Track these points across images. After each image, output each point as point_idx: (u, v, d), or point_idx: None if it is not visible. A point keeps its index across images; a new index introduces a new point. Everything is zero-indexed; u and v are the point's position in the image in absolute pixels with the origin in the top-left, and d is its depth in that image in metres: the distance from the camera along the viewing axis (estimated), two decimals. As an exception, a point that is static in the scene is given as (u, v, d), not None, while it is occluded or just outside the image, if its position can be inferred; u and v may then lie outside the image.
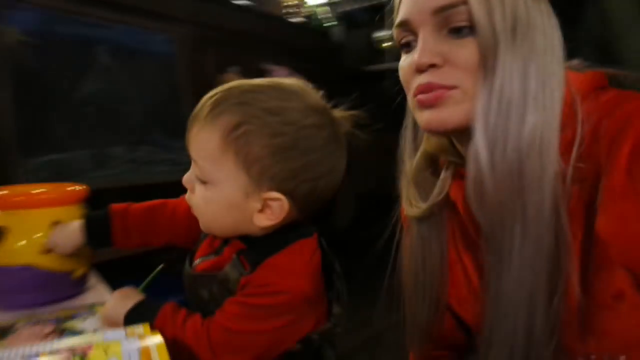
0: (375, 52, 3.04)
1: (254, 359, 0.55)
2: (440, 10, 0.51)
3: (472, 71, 0.51)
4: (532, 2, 0.51)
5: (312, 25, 2.74)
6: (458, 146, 0.60)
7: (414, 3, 0.54)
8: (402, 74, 0.57)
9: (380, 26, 3.25)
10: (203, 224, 0.61)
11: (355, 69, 2.87)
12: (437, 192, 0.62)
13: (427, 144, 0.64)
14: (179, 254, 0.70)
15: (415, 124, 0.64)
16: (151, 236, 0.72)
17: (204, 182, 0.57)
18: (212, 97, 0.57)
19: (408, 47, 0.56)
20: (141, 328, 0.45)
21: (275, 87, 0.57)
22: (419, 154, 0.64)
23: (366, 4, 2.91)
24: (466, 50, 0.51)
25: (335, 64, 2.74)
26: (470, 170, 0.51)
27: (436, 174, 0.64)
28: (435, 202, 0.61)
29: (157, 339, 0.43)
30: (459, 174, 0.61)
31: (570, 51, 0.53)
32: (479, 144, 0.50)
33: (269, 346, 0.55)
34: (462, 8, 0.50)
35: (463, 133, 0.53)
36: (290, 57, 2.38)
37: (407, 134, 0.66)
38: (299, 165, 0.55)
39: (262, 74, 2.20)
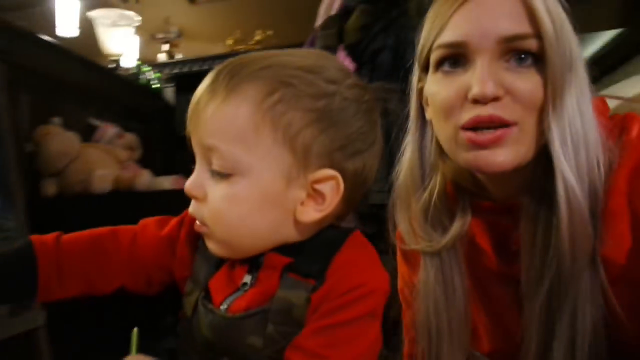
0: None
1: None
2: (509, 40, 0.48)
3: (533, 106, 0.48)
4: (575, 35, 0.50)
5: (143, 85, 2.54)
6: (483, 178, 0.56)
7: (476, 25, 0.49)
8: (444, 100, 0.51)
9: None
10: (224, 238, 0.46)
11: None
12: (460, 224, 0.57)
13: (447, 172, 0.59)
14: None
15: (423, 153, 0.58)
16: (98, 280, 0.51)
17: (227, 176, 0.44)
18: (223, 69, 0.45)
19: (447, 66, 0.52)
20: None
21: (297, 50, 0.48)
22: (435, 184, 0.58)
23: (195, 69, 2.87)
24: (531, 83, 0.48)
25: (168, 127, 2.56)
26: (564, 213, 0.48)
27: (449, 205, 0.59)
28: (457, 235, 0.57)
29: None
30: (477, 207, 0.58)
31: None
32: (571, 184, 0.47)
33: None
34: (532, 40, 0.48)
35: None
36: (120, 114, 2.13)
37: (413, 165, 0.59)
38: (352, 130, 0.45)
39: (89, 129, 1.90)
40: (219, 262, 0.50)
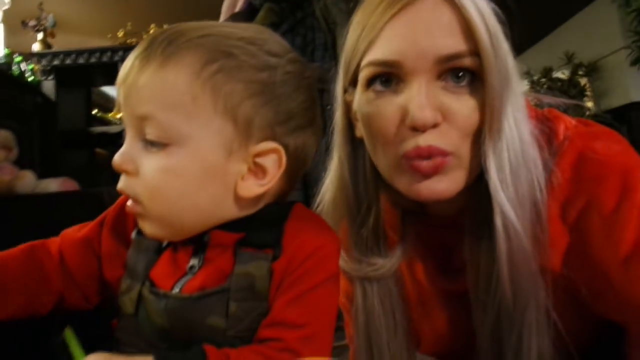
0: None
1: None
2: (447, 60, 0.45)
3: (470, 131, 0.46)
4: (509, 48, 0.47)
5: (16, 76, 2.25)
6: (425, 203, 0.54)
7: (412, 43, 0.45)
8: (380, 126, 0.48)
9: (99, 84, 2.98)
10: (162, 215, 0.43)
11: (73, 131, 2.48)
12: (404, 247, 0.56)
13: (386, 194, 0.56)
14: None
15: (356, 173, 0.55)
16: (38, 294, 0.48)
17: (163, 147, 0.42)
18: (158, 36, 0.43)
19: (379, 85, 0.48)
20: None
21: (235, 23, 0.47)
22: (373, 207, 0.55)
23: (81, 61, 2.62)
24: (467, 106, 0.46)
25: (49, 124, 2.30)
26: (502, 246, 0.46)
27: (389, 227, 0.57)
28: (401, 259, 0.55)
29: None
30: (420, 226, 0.56)
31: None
32: (510, 218, 0.46)
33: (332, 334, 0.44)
34: (470, 58, 0.45)
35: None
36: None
37: (346, 185, 0.55)
38: (292, 106, 0.45)
39: (-49, 125, 1.63)
40: (157, 251, 0.48)
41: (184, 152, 0.42)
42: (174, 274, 0.46)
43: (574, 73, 3.63)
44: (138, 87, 0.42)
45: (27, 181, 1.55)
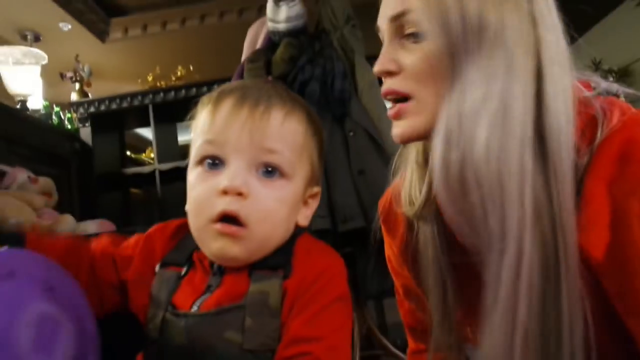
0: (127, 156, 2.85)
1: None
2: (394, 19, 0.53)
3: (424, 79, 0.50)
4: (513, 5, 0.47)
5: (55, 126, 2.38)
6: None
7: (382, 9, 0.56)
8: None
9: (131, 127, 3.10)
10: (263, 238, 0.50)
11: (108, 173, 2.58)
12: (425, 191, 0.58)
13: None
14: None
15: None
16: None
17: (280, 177, 0.51)
18: (274, 90, 0.54)
19: None
20: None
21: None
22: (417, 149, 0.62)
23: (114, 106, 2.75)
24: (413, 57, 0.51)
25: (87, 169, 2.41)
26: (433, 178, 0.50)
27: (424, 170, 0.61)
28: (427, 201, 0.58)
29: None
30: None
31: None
32: (436, 150, 0.49)
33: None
34: (411, 16, 0.51)
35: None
36: (31, 158, 1.97)
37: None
38: (323, 161, 0.58)
39: (-4, 175, 1.73)
40: (177, 279, 0.53)
41: (291, 186, 0.51)
42: (192, 295, 0.51)
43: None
44: (270, 124, 0.50)
45: (67, 225, 1.61)
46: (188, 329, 0.48)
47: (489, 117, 0.46)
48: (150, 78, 2.96)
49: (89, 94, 3.00)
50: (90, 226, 1.70)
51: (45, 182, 1.86)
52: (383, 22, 0.55)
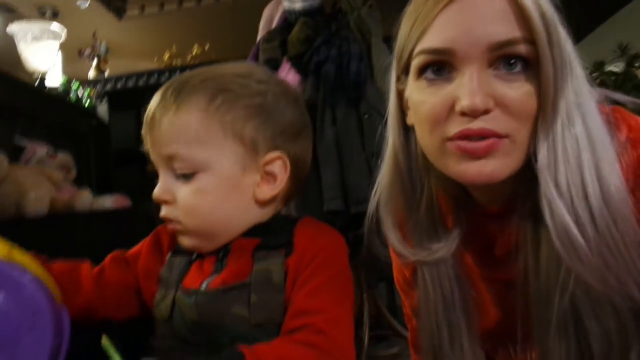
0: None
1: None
2: (500, 47, 0.45)
3: (526, 117, 0.45)
4: (568, 36, 0.46)
5: (74, 102, 2.41)
6: (470, 186, 0.54)
7: (464, 30, 0.45)
8: (429, 111, 0.48)
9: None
10: (198, 229, 0.52)
11: (125, 149, 2.62)
12: (457, 233, 0.56)
13: (434, 179, 0.56)
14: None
15: (410, 159, 0.56)
16: (68, 297, 0.53)
17: (191, 175, 0.51)
18: (169, 87, 0.53)
19: (431, 73, 0.48)
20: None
21: (228, 63, 0.57)
22: (427, 192, 0.56)
23: (130, 85, 2.77)
24: (522, 92, 0.45)
25: (103, 145, 2.44)
26: (557, 232, 0.45)
27: (442, 213, 0.57)
28: (455, 244, 0.55)
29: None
30: (471, 212, 0.56)
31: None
32: (560, 209, 0.44)
33: (353, 332, 0.50)
34: (523, 45, 0.44)
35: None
36: (51, 133, 2.00)
37: (401, 171, 0.56)
38: (286, 119, 0.54)
39: (16, 150, 1.77)
40: (187, 264, 0.56)
41: (208, 176, 0.51)
42: (201, 276, 0.54)
43: (629, 65, 3.41)
44: (161, 132, 0.51)
45: (85, 199, 1.65)
46: (198, 305, 0.51)
47: (598, 142, 0.46)
48: (166, 56, 2.97)
49: (106, 72, 3.02)
50: (107, 201, 1.73)
51: (63, 157, 1.89)
52: (472, 47, 0.45)
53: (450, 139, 0.46)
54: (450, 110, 0.47)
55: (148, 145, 0.54)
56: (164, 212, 0.53)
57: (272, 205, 0.56)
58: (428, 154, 0.52)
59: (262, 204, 0.54)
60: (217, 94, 0.52)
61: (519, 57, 0.45)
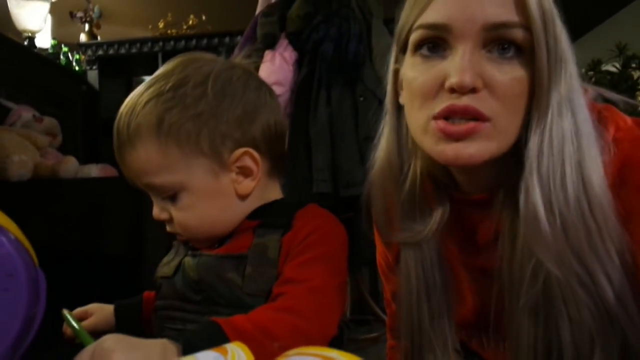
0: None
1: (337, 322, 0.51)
2: (495, 28, 0.45)
3: (510, 102, 0.46)
4: (565, 30, 0.47)
5: (63, 66, 2.34)
6: (453, 170, 0.55)
7: (462, 7, 0.46)
8: (419, 86, 0.48)
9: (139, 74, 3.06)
10: (198, 236, 0.57)
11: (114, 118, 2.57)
12: (440, 214, 0.56)
13: (422, 161, 0.57)
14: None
15: (400, 140, 0.56)
16: None
17: (174, 196, 0.54)
18: (119, 120, 0.55)
19: (426, 50, 0.49)
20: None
21: (159, 74, 0.56)
22: (413, 173, 0.57)
23: (123, 51, 2.70)
24: (511, 76, 0.45)
25: (92, 112, 2.39)
26: (526, 218, 0.46)
27: (427, 195, 0.57)
28: (438, 226, 0.56)
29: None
30: (450, 198, 0.57)
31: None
32: (535, 195, 0.45)
33: (339, 310, 0.52)
34: (518, 30, 0.45)
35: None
36: (38, 97, 1.95)
37: (391, 152, 0.57)
38: (238, 110, 0.55)
39: (2, 112, 1.72)
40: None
41: (187, 194, 0.54)
42: (207, 248, 0.58)
43: (625, 66, 3.42)
44: (130, 168, 0.55)
45: (70, 166, 1.61)
46: (199, 266, 0.55)
47: (584, 138, 0.46)
48: (161, 25, 2.89)
49: (98, 37, 2.94)
50: (93, 170, 1.70)
51: (50, 122, 1.85)
52: (468, 24, 0.45)
53: (435, 117, 0.47)
54: (440, 87, 0.47)
55: (127, 175, 0.57)
56: (168, 228, 0.58)
57: (258, 190, 0.57)
58: (413, 131, 0.52)
59: (248, 195, 0.56)
60: (163, 117, 0.52)
61: (513, 43, 0.46)
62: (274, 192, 0.60)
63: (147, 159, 0.53)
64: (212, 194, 0.55)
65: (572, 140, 0.46)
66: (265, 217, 0.56)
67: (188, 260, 0.57)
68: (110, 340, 0.39)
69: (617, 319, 0.45)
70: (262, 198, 0.58)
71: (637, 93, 3.39)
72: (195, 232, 0.56)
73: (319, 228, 0.53)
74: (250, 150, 0.55)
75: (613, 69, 3.51)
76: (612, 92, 0.55)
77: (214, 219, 0.55)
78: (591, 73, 3.56)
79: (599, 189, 0.46)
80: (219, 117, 0.53)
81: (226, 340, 0.42)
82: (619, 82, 3.48)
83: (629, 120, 0.50)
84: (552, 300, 0.47)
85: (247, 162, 0.55)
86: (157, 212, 0.57)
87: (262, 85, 0.59)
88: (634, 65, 3.39)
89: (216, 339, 0.40)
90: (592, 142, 0.47)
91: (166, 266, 0.60)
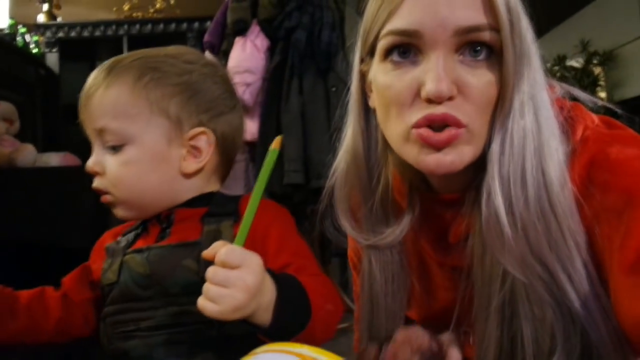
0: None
1: None
2: (466, 32, 0.45)
3: (484, 106, 0.46)
4: (530, 29, 0.47)
5: (20, 48, 2.22)
6: (430, 176, 0.54)
7: (432, 13, 0.45)
8: (396, 94, 0.47)
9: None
10: (127, 199, 0.56)
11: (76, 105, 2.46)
12: (409, 219, 0.55)
13: (400, 170, 0.56)
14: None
15: (369, 143, 0.55)
16: (38, 321, 0.58)
17: (119, 147, 0.55)
18: (103, 65, 0.57)
19: (397, 56, 0.48)
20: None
21: (159, 47, 0.60)
22: (383, 177, 0.56)
23: (86, 33, 2.59)
24: (483, 80, 0.45)
25: (52, 97, 2.28)
26: (488, 221, 0.46)
27: (395, 198, 0.57)
28: (405, 230, 0.55)
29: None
30: (422, 199, 0.56)
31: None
32: (497, 199, 0.45)
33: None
34: (488, 32, 0.45)
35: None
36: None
37: (358, 154, 0.56)
38: (211, 97, 0.58)
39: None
40: (134, 237, 0.59)
41: (134, 148, 0.55)
42: (149, 242, 0.57)
43: (588, 62, 3.54)
44: (93, 107, 0.55)
45: (28, 154, 1.54)
46: (150, 259, 0.55)
47: (531, 148, 0.46)
48: (126, 7, 2.78)
49: (59, 18, 2.80)
50: (53, 158, 1.62)
51: (6, 107, 1.75)
52: (439, 29, 0.45)
53: (415, 126, 0.46)
54: (415, 95, 0.46)
55: (83, 120, 0.57)
56: (95, 183, 0.57)
57: (200, 178, 0.58)
58: (390, 139, 0.51)
59: (189, 176, 0.57)
60: (146, 72, 0.56)
61: (483, 44, 0.46)
62: (214, 188, 0.61)
63: (116, 101, 0.54)
64: (157, 159, 0.56)
65: (534, 137, 0.46)
66: (210, 204, 0.58)
67: (132, 257, 0.56)
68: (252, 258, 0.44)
69: (579, 317, 0.46)
70: (201, 189, 0.59)
71: (598, 89, 3.53)
72: (124, 192, 0.55)
73: (272, 217, 0.56)
74: (209, 132, 0.57)
75: (577, 65, 3.63)
76: (577, 88, 0.55)
77: (148, 185, 0.56)
78: (556, 68, 3.67)
79: (561, 187, 0.46)
80: (196, 95, 0.57)
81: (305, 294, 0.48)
82: (582, 78, 3.60)
83: (596, 118, 0.51)
84: (517, 298, 0.48)
85: (202, 143, 0.57)
86: (92, 163, 0.56)
87: (235, 93, 0.63)
88: (595, 61, 3.53)
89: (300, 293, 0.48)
90: (555, 138, 0.47)
91: (108, 272, 0.58)
